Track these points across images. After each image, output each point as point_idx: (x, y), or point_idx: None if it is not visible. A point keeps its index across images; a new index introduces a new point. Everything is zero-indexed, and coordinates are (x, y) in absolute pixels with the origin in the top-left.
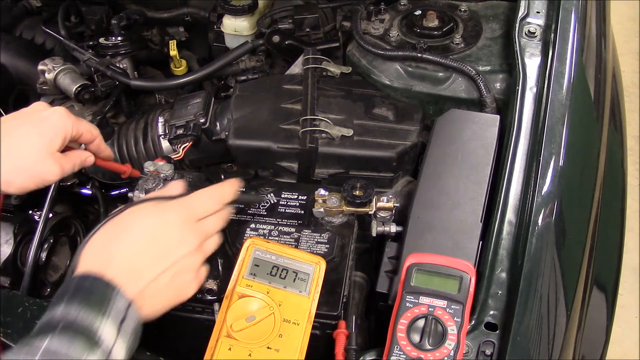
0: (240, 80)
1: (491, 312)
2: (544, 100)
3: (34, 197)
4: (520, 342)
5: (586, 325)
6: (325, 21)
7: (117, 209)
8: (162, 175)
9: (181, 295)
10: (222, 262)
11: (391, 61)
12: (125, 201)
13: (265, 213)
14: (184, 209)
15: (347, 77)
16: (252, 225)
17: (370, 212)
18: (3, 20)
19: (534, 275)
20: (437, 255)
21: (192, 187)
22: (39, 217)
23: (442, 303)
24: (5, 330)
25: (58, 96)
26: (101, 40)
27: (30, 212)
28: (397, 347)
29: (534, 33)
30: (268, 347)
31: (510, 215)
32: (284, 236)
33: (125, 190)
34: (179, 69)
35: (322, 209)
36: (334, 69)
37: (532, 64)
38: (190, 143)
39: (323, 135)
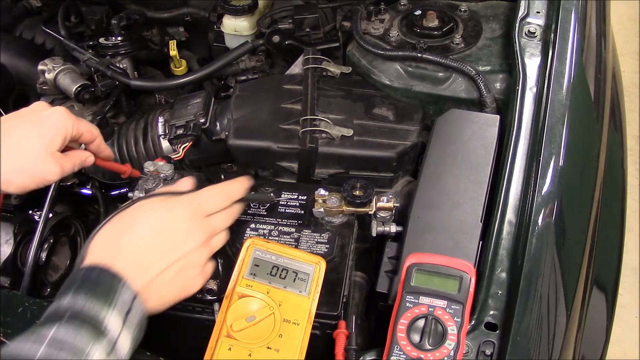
0: (240, 80)
1: (491, 312)
2: (544, 100)
3: (34, 197)
4: (520, 342)
5: (586, 325)
6: (325, 21)
7: (126, 203)
8: (162, 175)
9: (187, 290)
10: (222, 262)
11: (391, 61)
12: (125, 201)
13: (265, 213)
14: (192, 205)
15: (347, 77)
16: (252, 225)
17: (370, 212)
18: (3, 20)
19: (534, 275)
20: (437, 255)
21: None
22: (39, 217)
23: (442, 303)
24: (5, 330)
25: (58, 96)
26: (101, 40)
27: (30, 212)
28: (397, 347)
29: (534, 33)
30: (268, 347)
31: (510, 215)
32: (284, 236)
33: (125, 190)
34: (179, 69)
35: (322, 209)
36: (334, 69)
37: (532, 64)
38: (190, 143)
39: (323, 135)
